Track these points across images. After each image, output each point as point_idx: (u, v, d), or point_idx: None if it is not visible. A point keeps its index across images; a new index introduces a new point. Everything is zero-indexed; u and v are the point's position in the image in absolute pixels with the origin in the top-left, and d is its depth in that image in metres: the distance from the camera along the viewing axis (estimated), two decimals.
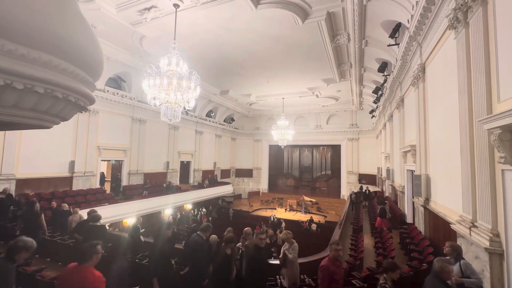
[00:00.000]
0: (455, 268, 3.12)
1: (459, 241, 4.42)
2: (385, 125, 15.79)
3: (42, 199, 10.07)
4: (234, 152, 28.46)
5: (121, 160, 15.24)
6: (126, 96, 14.91)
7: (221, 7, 8.52)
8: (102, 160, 14.12)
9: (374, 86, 14.30)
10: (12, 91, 1.42)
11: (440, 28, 5.83)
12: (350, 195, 18.95)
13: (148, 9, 8.73)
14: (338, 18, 9.13)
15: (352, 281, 4.54)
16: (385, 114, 15.41)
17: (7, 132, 9.26)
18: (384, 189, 17.15)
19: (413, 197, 8.49)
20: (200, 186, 19.97)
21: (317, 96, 19.39)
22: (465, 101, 4.48)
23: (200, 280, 3.88)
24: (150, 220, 14.11)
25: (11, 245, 2.56)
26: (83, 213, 6.79)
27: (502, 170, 3.59)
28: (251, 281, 3.69)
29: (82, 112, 2.22)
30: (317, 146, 28.68)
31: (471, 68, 4.34)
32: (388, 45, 8.90)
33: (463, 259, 3.48)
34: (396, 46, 8.71)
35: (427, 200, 7.11)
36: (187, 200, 17.34)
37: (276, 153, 29.57)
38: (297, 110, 24.40)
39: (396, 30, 8.06)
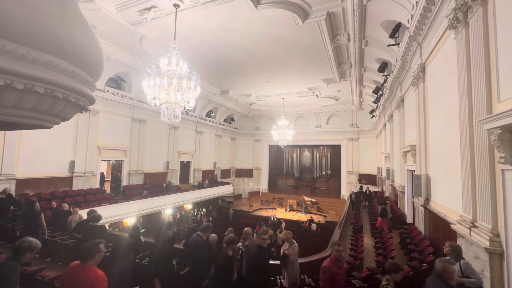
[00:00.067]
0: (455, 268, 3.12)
1: (459, 241, 4.42)
2: (385, 125, 15.79)
3: (42, 199, 10.07)
4: (234, 152, 28.46)
5: (121, 160, 15.24)
6: (126, 96, 14.91)
7: (221, 7, 8.52)
8: (102, 160, 14.12)
9: (374, 86, 14.30)
10: (12, 91, 1.42)
11: (440, 28, 5.83)
12: (350, 195, 18.96)
13: (148, 9, 8.73)
14: (338, 18, 9.13)
15: (352, 281, 4.54)
16: (385, 114, 15.41)
17: (7, 132, 9.26)
18: (384, 189, 17.15)
19: (413, 197, 8.49)
20: (200, 186, 19.97)
21: (317, 96, 19.39)
22: (465, 101, 4.48)
23: (200, 280, 3.88)
24: (150, 220, 14.12)
25: (16, 245, 2.59)
26: (83, 213, 6.80)
27: (502, 170, 3.59)
28: (253, 281, 3.68)
29: (82, 112, 2.22)
30: (317, 146, 28.68)
31: (471, 68, 4.34)
32: (388, 45, 8.90)
33: (463, 259, 3.48)
34: (396, 46, 8.71)
35: (427, 200, 7.11)
36: (187, 200, 17.35)
37: (276, 153, 29.58)
38: (297, 110, 24.40)
39: (396, 30, 8.06)
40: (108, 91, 13.82)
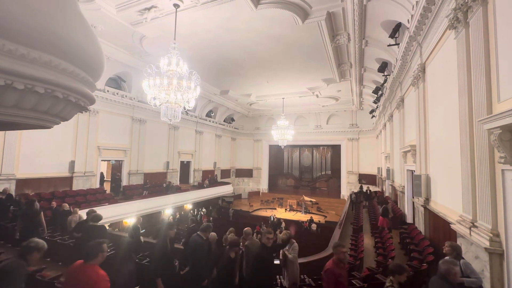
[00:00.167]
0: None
1: (459, 241, 4.42)
2: (385, 125, 15.79)
3: (42, 199, 10.07)
4: (234, 152, 28.46)
5: (121, 160, 15.24)
6: (126, 96, 14.91)
7: (221, 7, 8.52)
8: (102, 160, 14.12)
9: (374, 86, 14.30)
10: (12, 91, 1.43)
11: (440, 28, 5.83)
12: (350, 195, 18.96)
13: (148, 9, 8.73)
14: (338, 18, 9.13)
15: (352, 281, 4.54)
16: (385, 114, 15.42)
17: (7, 132, 9.26)
18: (384, 189, 17.15)
19: (413, 197, 8.49)
20: (200, 186, 19.97)
21: (317, 96, 19.39)
22: (465, 101, 4.48)
23: (200, 280, 3.88)
24: (150, 220, 14.12)
25: (24, 246, 2.62)
26: (83, 213, 6.80)
27: (502, 170, 3.59)
28: (257, 281, 3.66)
29: (82, 112, 2.22)
30: (317, 146, 28.68)
31: (471, 68, 4.34)
32: (388, 45, 8.90)
33: (463, 258, 3.48)
34: (396, 46, 8.71)
35: (427, 200, 7.11)
36: (187, 200, 17.34)
37: (276, 153, 29.58)
38: (297, 110, 24.40)
39: (396, 30, 8.06)
40: (108, 91, 13.81)
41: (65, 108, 1.84)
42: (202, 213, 18.48)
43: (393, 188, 13.39)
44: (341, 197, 24.34)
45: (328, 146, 28.05)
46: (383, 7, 7.81)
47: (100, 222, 4.89)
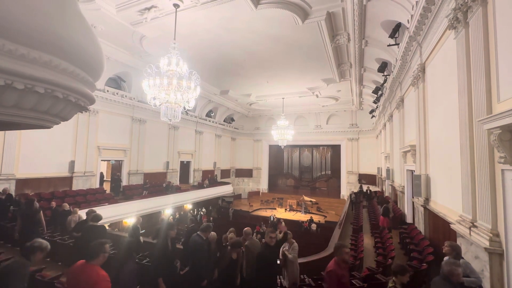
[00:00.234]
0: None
1: (459, 241, 4.42)
2: (385, 125, 15.80)
3: (42, 199, 10.07)
4: (234, 152, 28.46)
5: (121, 160, 15.24)
6: (126, 96, 14.91)
7: (221, 7, 8.52)
8: (102, 160, 14.12)
9: (374, 86, 14.30)
10: (12, 91, 1.43)
11: (440, 28, 5.83)
12: (350, 195, 18.96)
13: (148, 9, 8.73)
14: (338, 18, 9.13)
15: (352, 281, 4.54)
16: (385, 114, 15.42)
17: (7, 132, 9.26)
18: (384, 189, 17.15)
19: (413, 197, 8.49)
20: (200, 186, 19.97)
21: (317, 96, 19.39)
22: (465, 101, 4.48)
23: (200, 280, 3.88)
24: (150, 220, 14.10)
25: (28, 246, 2.66)
26: (82, 213, 6.79)
27: (502, 170, 3.59)
28: (260, 280, 3.66)
29: (82, 112, 2.23)
30: (317, 146, 28.69)
31: (471, 68, 4.34)
32: (388, 45, 8.90)
33: (462, 258, 3.48)
34: (396, 46, 8.72)
35: (427, 200, 7.11)
36: (187, 200, 17.34)
37: (276, 153, 29.58)
38: (297, 110, 24.41)
39: (396, 30, 8.07)
40: (108, 91, 13.81)
41: (65, 108, 1.85)
42: (202, 213, 18.48)
43: (393, 188, 13.39)
44: (341, 197, 24.35)
45: (328, 146, 28.05)
46: (383, 7, 7.81)
47: (100, 222, 4.88)
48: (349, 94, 18.82)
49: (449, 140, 5.48)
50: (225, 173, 26.52)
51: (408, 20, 7.09)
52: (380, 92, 13.67)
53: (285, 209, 22.80)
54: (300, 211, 21.86)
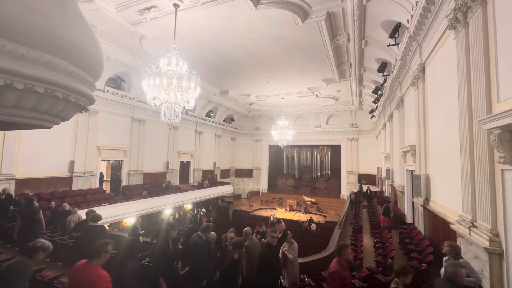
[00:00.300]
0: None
1: (459, 241, 4.43)
2: (384, 125, 15.80)
3: (42, 199, 10.06)
4: (234, 152, 28.46)
5: (121, 160, 15.24)
6: (125, 96, 14.90)
7: (221, 7, 8.52)
8: (101, 160, 14.12)
9: (374, 86, 14.31)
10: (12, 91, 1.43)
11: (440, 28, 5.84)
12: (350, 195, 18.96)
13: (148, 9, 8.73)
14: (338, 18, 9.13)
15: (352, 281, 4.53)
16: (384, 114, 15.43)
17: (6, 132, 9.26)
18: (383, 189, 17.16)
19: (412, 197, 8.50)
20: (200, 186, 19.97)
21: (317, 96, 19.39)
22: (465, 101, 4.48)
23: (200, 280, 3.88)
24: (150, 220, 14.10)
25: (30, 245, 2.68)
26: (82, 213, 6.79)
27: (502, 170, 3.60)
28: (262, 280, 3.65)
29: (82, 112, 2.23)
30: (317, 146, 28.68)
31: (471, 68, 4.35)
32: (388, 45, 8.91)
33: (462, 258, 3.49)
34: (396, 46, 8.72)
35: (427, 200, 7.12)
36: (187, 200, 17.34)
37: (276, 153, 29.57)
38: (297, 110, 24.40)
39: (396, 30, 8.07)
40: (107, 91, 13.81)
41: (65, 108, 1.85)
42: (201, 213, 18.47)
43: (393, 188, 13.39)
44: (341, 197, 24.35)
45: (327, 146, 28.05)
46: (382, 7, 7.81)
47: (100, 222, 4.88)
48: (349, 94, 18.83)
49: (449, 140, 5.49)
50: (225, 173, 26.52)
51: (408, 20, 7.10)
52: (380, 92, 13.67)
53: (285, 209, 22.80)
54: (300, 211, 21.86)
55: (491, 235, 3.69)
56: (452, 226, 4.83)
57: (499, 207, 3.67)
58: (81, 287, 2.43)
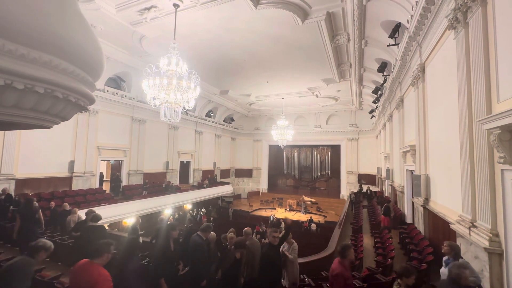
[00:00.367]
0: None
1: (459, 241, 4.43)
2: (384, 125, 15.80)
3: (42, 199, 10.06)
4: (234, 152, 28.45)
5: (121, 160, 15.24)
6: (125, 96, 14.90)
7: (221, 7, 8.52)
8: (101, 160, 14.12)
9: (373, 86, 14.31)
10: (12, 91, 1.43)
11: (440, 28, 5.84)
12: (350, 195, 18.97)
13: (148, 9, 8.73)
14: (337, 18, 9.13)
15: (352, 281, 4.53)
16: (384, 114, 15.43)
17: (6, 132, 9.25)
18: (383, 189, 17.16)
19: (412, 197, 8.50)
20: (200, 186, 19.97)
21: (316, 96, 19.40)
22: (465, 101, 4.48)
23: (200, 280, 3.88)
24: (150, 220, 14.10)
25: (32, 245, 2.71)
26: (82, 213, 6.79)
27: (502, 170, 3.60)
28: (265, 279, 3.64)
29: (82, 112, 2.23)
30: (316, 146, 28.68)
31: (471, 68, 4.35)
32: (387, 45, 8.91)
33: (462, 258, 3.49)
34: (396, 46, 8.72)
35: (427, 200, 7.12)
36: (187, 200, 17.34)
37: (276, 153, 29.57)
38: (297, 110, 24.41)
39: (395, 30, 8.07)
40: (107, 91, 13.81)
41: (65, 108, 1.85)
42: (201, 213, 18.47)
43: (393, 188, 13.39)
44: (341, 197, 24.35)
45: (327, 146, 28.05)
46: (382, 7, 7.82)
47: (100, 222, 4.88)
48: (349, 94, 18.83)
49: (449, 140, 5.49)
50: (225, 173, 26.52)
51: (408, 20, 7.10)
52: (379, 92, 13.67)
53: (285, 209, 22.81)
54: (300, 211, 21.87)
55: (491, 235, 3.69)
56: (452, 226, 4.83)
57: (499, 207, 3.67)
58: (82, 286, 2.44)
